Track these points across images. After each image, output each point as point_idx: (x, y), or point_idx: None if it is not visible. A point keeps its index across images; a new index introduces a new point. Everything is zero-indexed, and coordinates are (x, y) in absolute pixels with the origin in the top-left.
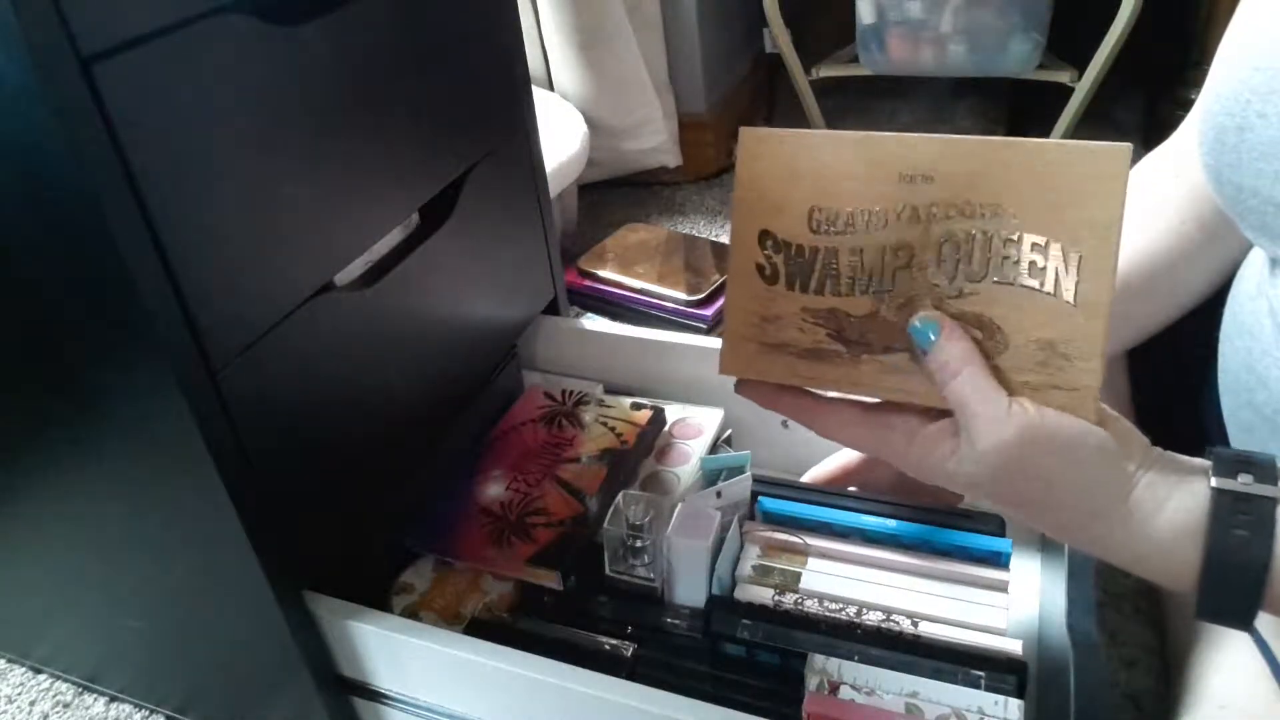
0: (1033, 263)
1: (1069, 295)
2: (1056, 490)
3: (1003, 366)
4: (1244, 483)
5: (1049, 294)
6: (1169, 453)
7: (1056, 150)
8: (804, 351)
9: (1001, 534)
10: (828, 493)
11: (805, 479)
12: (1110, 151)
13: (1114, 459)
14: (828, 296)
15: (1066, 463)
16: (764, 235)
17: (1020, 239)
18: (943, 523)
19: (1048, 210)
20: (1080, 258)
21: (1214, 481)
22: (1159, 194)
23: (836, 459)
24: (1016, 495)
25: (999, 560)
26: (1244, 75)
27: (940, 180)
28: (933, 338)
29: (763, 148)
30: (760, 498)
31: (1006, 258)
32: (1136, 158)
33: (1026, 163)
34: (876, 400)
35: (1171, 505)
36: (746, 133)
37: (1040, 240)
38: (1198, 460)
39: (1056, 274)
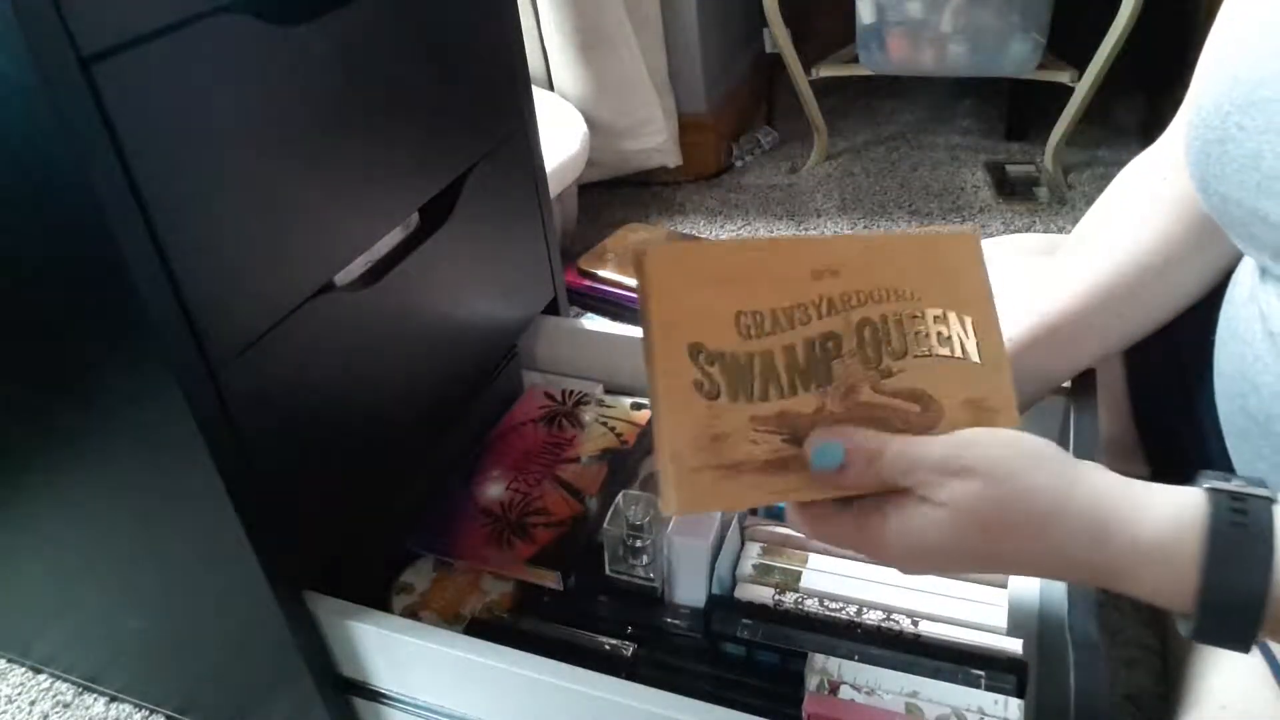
0: (939, 332)
1: (975, 356)
2: (1032, 501)
3: (943, 433)
4: (1238, 485)
5: (960, 358)
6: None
7: (921, 238)
8: (763, 465)
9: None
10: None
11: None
12: (961, 239)
13: (1067, 459)
14: (773, 400)
15: (1028, 460)
16: (695, 350)
17: (924, 314)
18: None
19: (935, 286)
20: (972, 320)
21: (1207, 483)
22: (1148, 196)
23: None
24: (991, 528)
25: None
26: (1224, 88)
27: (844, 273)
28: (840, 451)
29: (673, 265)
30: None
31: (918, 332)
32: (1136, 157)
33: (906, 251)
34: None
35: (1161, 506)
36: (652, 255)
37: (938, 312)
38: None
39: (960, 339)
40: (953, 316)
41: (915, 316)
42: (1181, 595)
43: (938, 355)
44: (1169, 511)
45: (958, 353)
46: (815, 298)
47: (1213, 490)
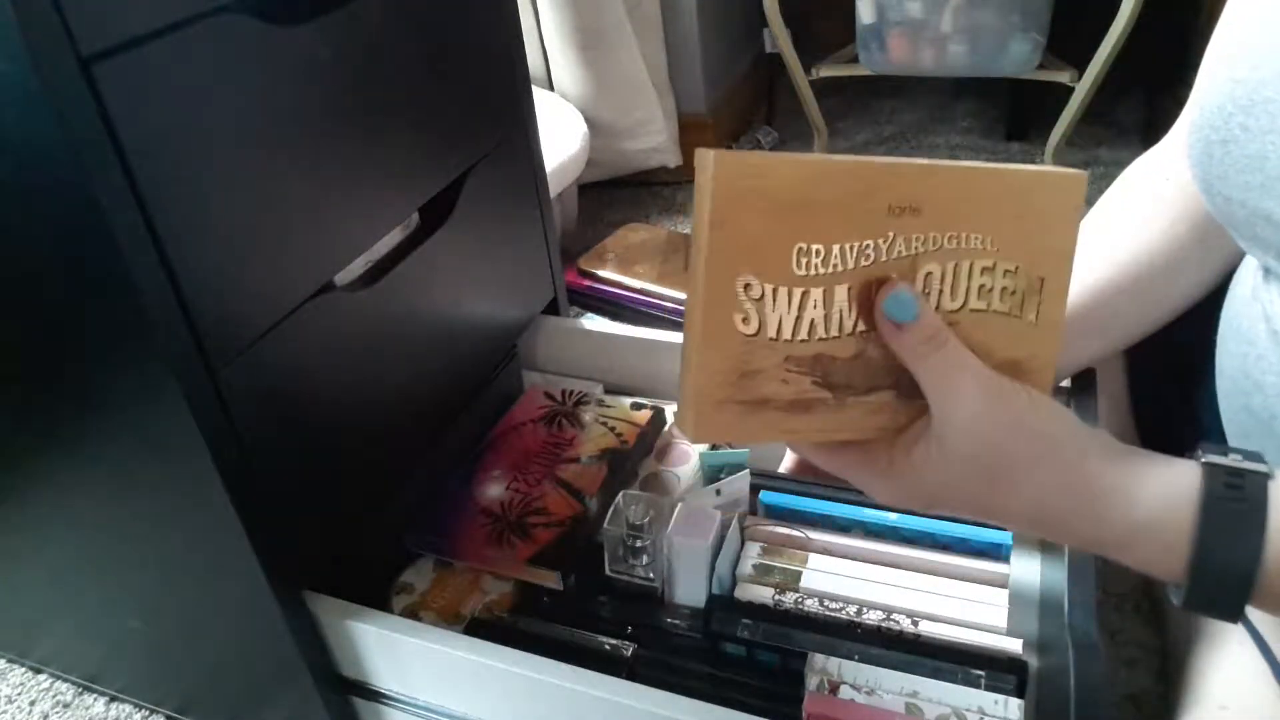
0: (1005, 287)
1: (1032, 316)
2: (1040, 461)
3: None
4: (1234, 460)
5: (1016, 318)
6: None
7: (1025, 177)
8: (787, 404)
9: (1002, 527)
10: (828, 486)
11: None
12: (1070, 179)
13: (1084, 435)
14: (814, 342)
15: (1044, 415)
16: (745, 283)
17: (995, 267)
18: (943, 515)
19: (1018, 237)
20: (1043, 280)
21: (1205, 457)
22: (1151, 196)
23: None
24: (994, 475)
25: (999, 553)
26: (1226, 88)
27: (926, 212)
28: (913, 306)
29: (739, 177)
30: (761, 492)
31: (983, 285)
32: (1136, 157)
33: (1001, 191)
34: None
35: (1156, 480)
36: (719, 156)
37: (1011, 266)
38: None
39: (1024, 296)
40: (1023, 273)
41: (987, 269)
42: (1173, 566)
43: (995, 310)
44: (1164, 486)
45: (1016, 310)
46: (886, 235)
47: (1209, 464)
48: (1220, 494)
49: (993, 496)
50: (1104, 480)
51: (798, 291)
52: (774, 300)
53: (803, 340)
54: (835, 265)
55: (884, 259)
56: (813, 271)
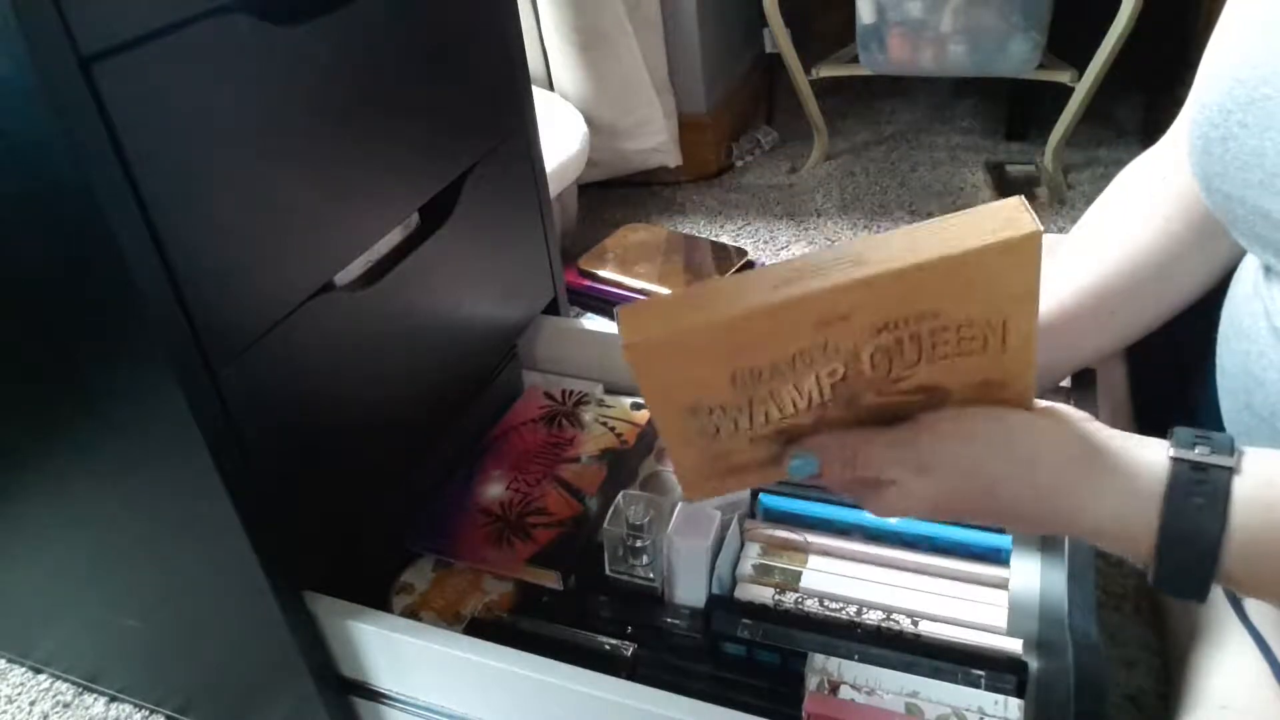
0: (963, 339)
1: (998, 344)
2: (993, 493)
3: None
4: (1200, 454)
5: (981, 354)
6: (1117, 431)
7: (966, 259)
8: (764, 461)
9: (1002, 530)
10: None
11: None
12: (1019, 243)
13: (1028, 437)
14: (772, 424)
15: (989, 450)
16: (691, 409)
17: (951, 327)
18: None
19: (970, 303)
20: (1005, 322)
21: (1172, 451)
22: (1148, 195)
23: None
24: (963, 512)
25: (999, 556)
26: (1226, 86)
27: (856, 317)
28: (814, 464)
29: (660, 358)
30: (761, 494)
31: (937, 344)
32: (1136, 157)
33: (942, 276)
34: None
35: (1126, 475)
36: (627, 321)
37: (967, 324)
38: (1151, 439)
39: (986, 337)
40: (982, 323)
41: (941, 330)
42: (1142, 556)
43: (957, 356)
44: (1129, 487)
45: (980, 349)
46: (821, 342)
47: (1176, 460)
48: (1183, 492)
49: (964, 509)
50: (1061, 491)
51: (742, 402)
52: (724, 412)
53: (761, 427)
54: (775, 376)
55: (823, 355)
56: (752, 384)
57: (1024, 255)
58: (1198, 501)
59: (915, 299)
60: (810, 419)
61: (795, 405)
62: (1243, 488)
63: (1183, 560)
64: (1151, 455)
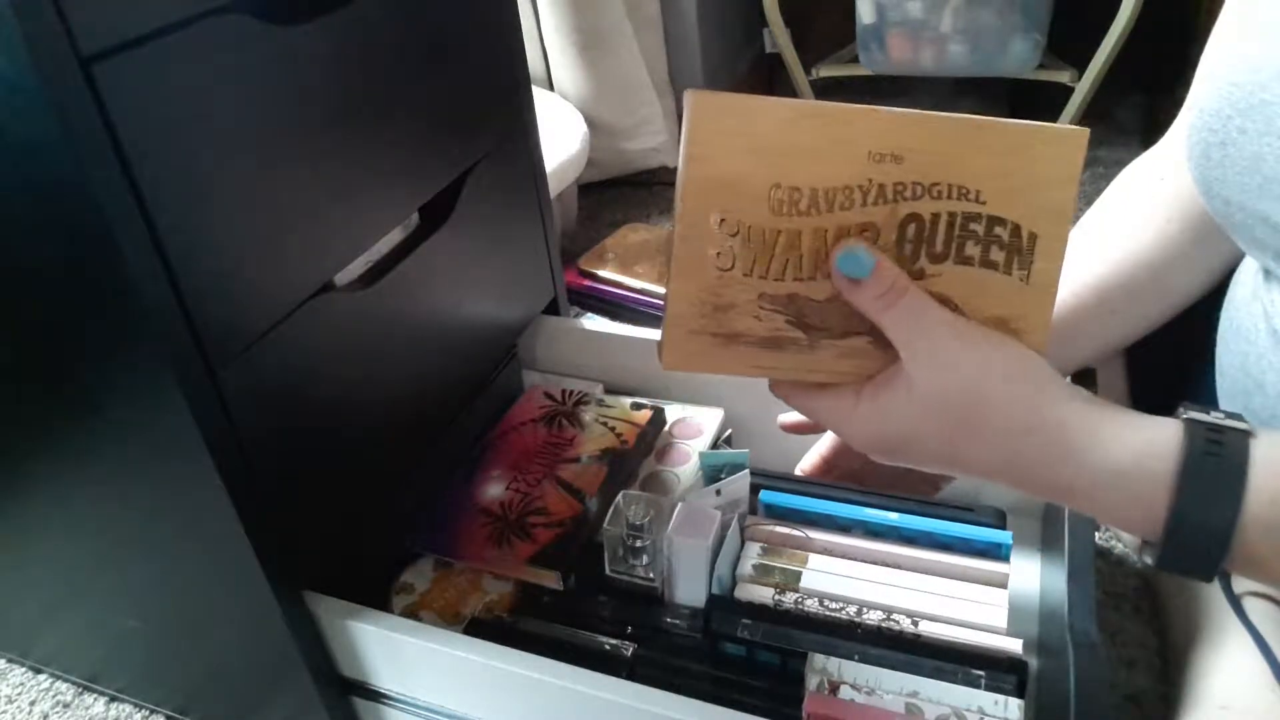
0: (992, 243)
1: (1022, 275)
2: (1003, 412)
3: None
4: (1215, 417)
5: (1004, 274)
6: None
7: (1021, 132)
8: (760, 340)
9: (1002, 526)
10: (828, 485)
11: (798, 471)
12: (1070, 136)
13: (1053, 378)
14: (788, 281)
15: (1009, 369)
16: (719, 219)
17: (982, 219)
18: (944, 515)
19: (1010, 192)
20: (1036, 238)
21: (1185, 414)
22: (1148, 196)
23: (817, 447)
24: (963, 416)
25: (999, 552)
26: (1224, 91)
27: (909, 160)
28: (868, 261)
29: (719, 116)
30: (762, 491)
31: (968, 239)
32: (1136, 157)
33: (993, 144)
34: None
35: (1133, 431)
36: (698, 97)
37: (1002, 221)
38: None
39: (1013, 255)
40: (1014, 230)
41: (973, 220)
42: (1148, 522)
43: (982, 264)
44: (1141, 437)
45: (1006, 267)
46: (865, 182)
47: (1190, 421)
48: (1201, 450)
49: (960, 440)
50: (1077, 423)
51: (772, 231)
52: (748, 238)
53: (776, 279)
54: (812, 208)
55: (862, 204)
56: (788, 213)
57: (1069, 148)
58: (1214, 461)
59: (961, 164)
60: (824, 295)
61: (818, 263)
62: (1260, 448)
63: (1198, 521)
64: (1163, 420)
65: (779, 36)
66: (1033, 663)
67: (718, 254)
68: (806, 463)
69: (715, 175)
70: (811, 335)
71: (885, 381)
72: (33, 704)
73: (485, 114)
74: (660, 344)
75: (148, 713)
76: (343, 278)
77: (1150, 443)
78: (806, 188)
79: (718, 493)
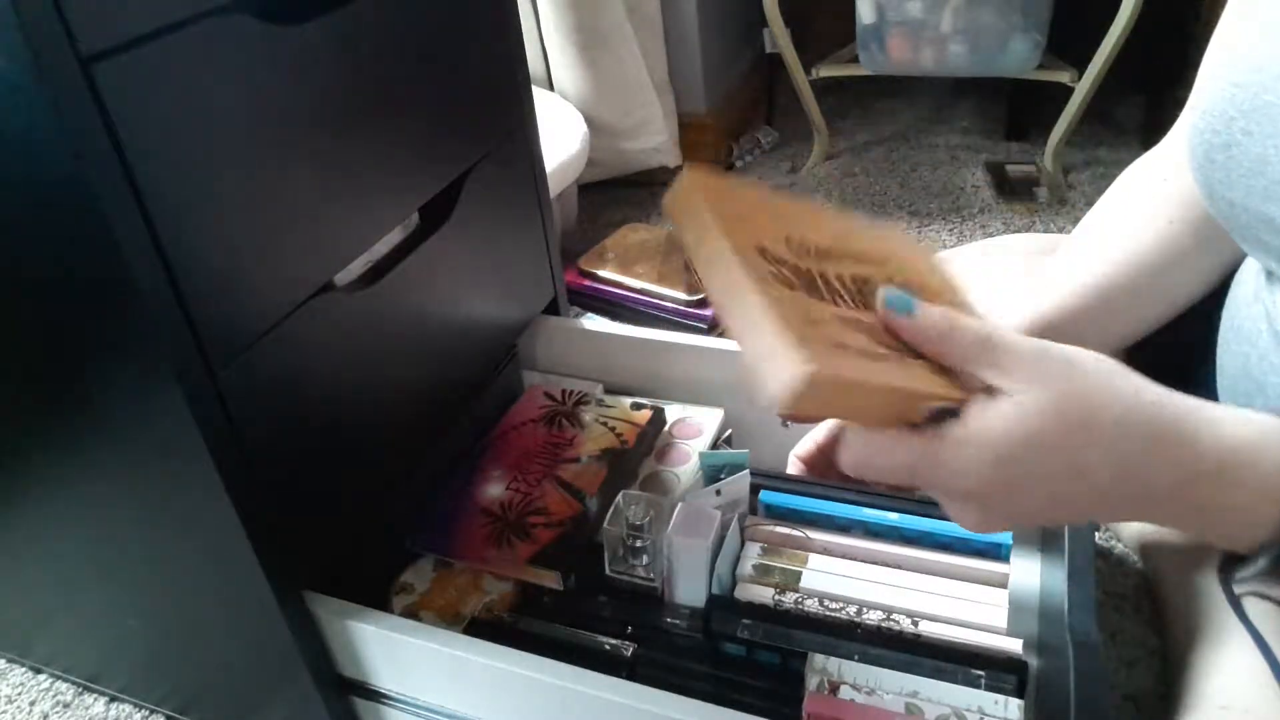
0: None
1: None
2: (1111, 397)
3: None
4: None
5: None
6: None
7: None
8: (862, 352)
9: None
10: (828, 485)
11: (792, 457)
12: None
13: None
14: (843, 308)
15: (1106, 365)
16: (760, 249)
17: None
18: (943, 515)
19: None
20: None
21: None
22: (1149, 196)
23: (813, 434)
24: (1078, 429)
25: (999, 553)
26: (1227, 93)
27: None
28: (912, 300)
29: (717, 186)
30: (761, 491)
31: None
32: (1136, 157)
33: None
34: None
35: (1234, 411)
36: (692, 177)
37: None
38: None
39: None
40: (916, 270)
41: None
42: (1267, 499)
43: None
44: (1258, 416)
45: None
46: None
47: None
48: None
49: (1079, 440)
50: (1181, 401)
51: (802, 269)
52: (789, 268)
53: (835, 305)
54: (819, 255)
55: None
56: (803, 256)
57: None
58: None
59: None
60: (873, 319)
61: (851, 294)
62: None
63: None
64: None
65: (779, 36)
66: (1033, 663)
67: (777, 275)
68: (801, 449)
69: (741, 220)
70: (896, 352)
71: (981, 401)
72: (33, 704)
73: (485, 114)
74: (769, 371)
75: (148, 713)
76: (343, 278)
77: (1258, 419)
78: (811, 241)
79: (718, 493)
